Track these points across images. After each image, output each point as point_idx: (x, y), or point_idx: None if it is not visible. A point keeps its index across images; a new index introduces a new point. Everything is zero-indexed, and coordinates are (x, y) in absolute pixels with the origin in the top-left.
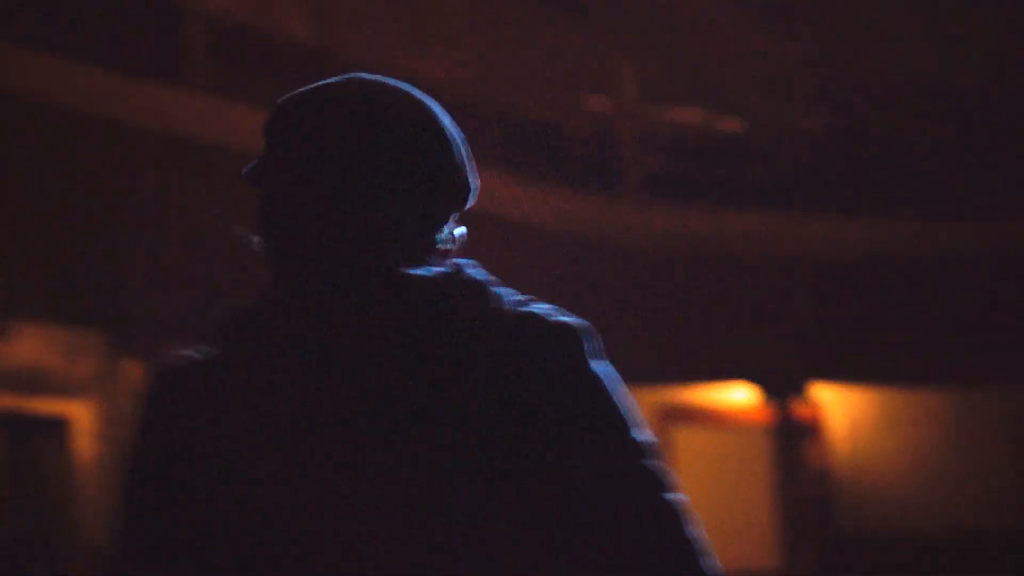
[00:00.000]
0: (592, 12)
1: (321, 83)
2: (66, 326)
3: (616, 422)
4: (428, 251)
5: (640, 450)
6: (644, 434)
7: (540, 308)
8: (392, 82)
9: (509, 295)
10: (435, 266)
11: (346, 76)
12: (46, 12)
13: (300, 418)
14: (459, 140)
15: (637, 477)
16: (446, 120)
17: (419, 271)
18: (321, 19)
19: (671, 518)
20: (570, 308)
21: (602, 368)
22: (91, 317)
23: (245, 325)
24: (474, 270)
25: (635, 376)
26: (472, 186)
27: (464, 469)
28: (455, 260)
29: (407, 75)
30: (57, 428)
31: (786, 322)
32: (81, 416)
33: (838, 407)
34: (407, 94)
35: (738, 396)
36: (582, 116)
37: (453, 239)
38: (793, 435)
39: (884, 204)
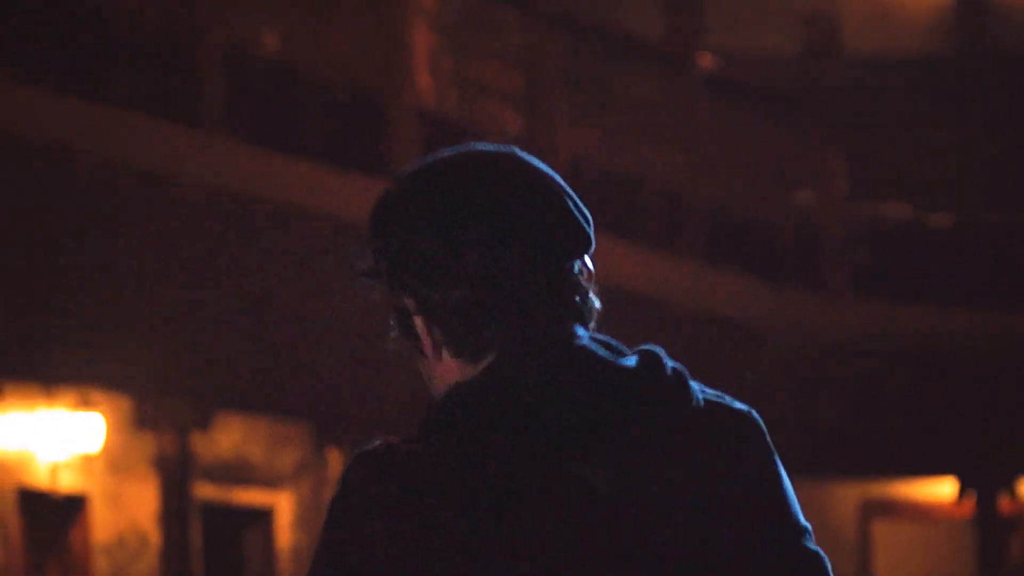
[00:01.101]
0: (800, 107)
1: (441, 156)
2: (270, 417)
3: (794, 508)
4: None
5: (808, 534)
6: (805, 520)
7: (720, 396)
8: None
9: (699, 386)
10: (624, 350)
11: (457, 149)
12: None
13: (510, 510)
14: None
15: (809, 560)
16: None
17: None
18: (530, 115)
19: None
20: (776, 402)
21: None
22: (295, 408)
23: (460, 411)
24: (668, 359)
25: (837, 469)
26: (589, 232)
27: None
28: (647, 348)
29: (609, 170)
30: (260, 518)
31: (991, 416)
32: (284, 506)
33: None
34: (518, 156)
35: (941, 490)
36: (789, 211)
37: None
38: (997, 530)
39: None
